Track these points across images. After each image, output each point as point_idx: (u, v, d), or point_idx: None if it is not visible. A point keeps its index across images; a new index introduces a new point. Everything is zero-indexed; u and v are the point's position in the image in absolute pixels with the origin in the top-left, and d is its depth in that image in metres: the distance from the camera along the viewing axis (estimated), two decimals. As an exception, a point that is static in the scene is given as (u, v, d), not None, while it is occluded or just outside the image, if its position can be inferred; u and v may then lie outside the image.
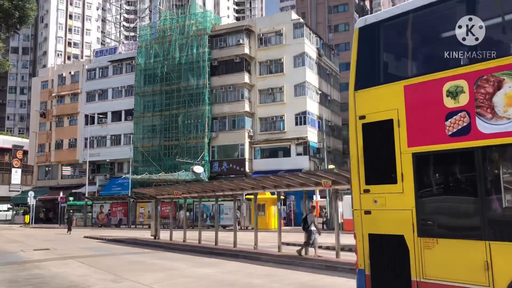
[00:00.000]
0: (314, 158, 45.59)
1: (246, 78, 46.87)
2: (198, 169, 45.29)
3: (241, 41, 47.25)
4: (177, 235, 25.52)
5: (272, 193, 31.80)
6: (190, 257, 16.14)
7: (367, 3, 78.00)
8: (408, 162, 6.35)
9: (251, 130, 46.72)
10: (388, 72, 7.09)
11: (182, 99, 48.63)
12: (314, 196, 33.55)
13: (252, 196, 33.35)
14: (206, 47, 48.23)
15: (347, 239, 21.67)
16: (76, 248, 20.27)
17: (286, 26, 46.63)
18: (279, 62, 46.47)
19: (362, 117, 7.01)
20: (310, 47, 47.30)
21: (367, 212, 6.92)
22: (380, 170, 6.78)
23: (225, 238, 24.29)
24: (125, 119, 52.83)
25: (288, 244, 21.91)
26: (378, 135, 6.81)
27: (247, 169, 45.80)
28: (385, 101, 6.71)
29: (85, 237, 27.49)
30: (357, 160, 7.05)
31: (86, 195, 46.78)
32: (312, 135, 45.65)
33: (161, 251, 18.90)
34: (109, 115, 53.73)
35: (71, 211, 33.80)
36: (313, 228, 15.29)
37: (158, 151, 49.05)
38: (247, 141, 46.26)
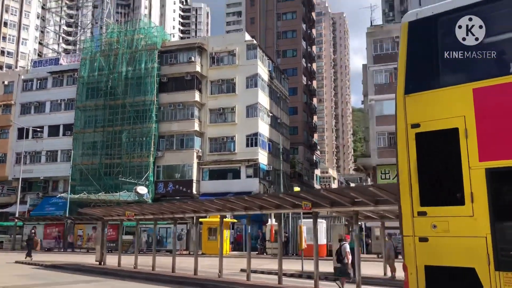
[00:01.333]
0: (264, 180, 44.59)
1: (197, 96, 45.39)
2: (142, 189, 42.72)
3: (192, 59, 45.88)
4: (124, 261, 23.27)
5: (225, 217, 30.30)
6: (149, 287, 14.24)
7: (314, 31, 79.54)
8: (480, 179, 5.32)
9: (200, 150, 45.06)
10: (450, 73, 6.13)
11: (127, 115, 46.16)
12: (269, 220, 32.34)
13: (207, 219, 31.64)
14: (156, 62, 46.38)
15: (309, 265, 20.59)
16: (9, 276, 17.55)
17: (239, 46, 45.95)
18: (231, 82, 45.51)
19: (416, 126, 6.00)
20: (263, 69, 46.86)
21: (423, 239, 5.77)
22: (441, 188, 5.72)
23: (177, 264, 22.41)
24: (64, 134, 49.25)
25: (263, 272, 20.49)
26: (438, 147, 5.78)
27: (194, 191, 43.89)
28: (448, 107, 5.72)
29: (16, 262, 24.37)
30: (409, 176, 5.96)
31: (16, 215, 42.49)
32: (263, 157, 44.77)
33: (111, 279, 16.76)
34: (46, 129, 49.87)
35: (33, 230, 29.75)
36: (346, 260, 13.79)
37: (98, 170, 45.93)
38: (195, 161, 44.48)
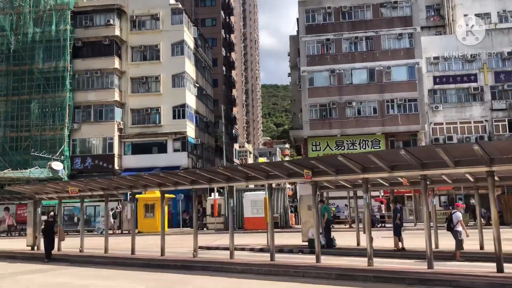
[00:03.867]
0: (192, 154, 42.59)
1: (117, 63, 41.67)
2: (57, 165, 38.58)
3: (111, 22, 41.89)
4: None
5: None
6: (129, 273, 12.18)
7: (232, 2, 77.36)
8: None
9: (122, 122, 41.67)
10: None
11: (36, 82, 41.12)
12: (213, 194, 30.78)
13: (143, 196, 29.19)
14: (68, 24, 41.55)
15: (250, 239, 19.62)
16: None
17: (163, 10, 42.79)
18: (155, 48, 42.37)
19: None
20: (189, 36, 44.26)
21: None
22: None
23: (120, 245, 20.22)
24: (-44, 104, 42.59)
25: (211, 248, 18.92)
26: None
27: (116, 166, 40.62)
28: None
29: None
30: None
31: None
32: (190, 131, 42.65)
33: (63, 266, 14.25)
34: None
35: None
36: (459, 228, 12.56)
37: (2, 144, 40.56)
38: (116, 134, 41.09)
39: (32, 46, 41.53)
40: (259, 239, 21.81)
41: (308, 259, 13.94)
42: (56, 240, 16.67)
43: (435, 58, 38.35)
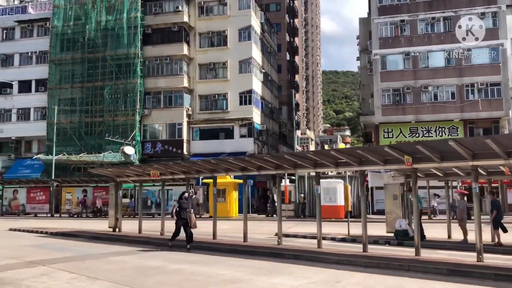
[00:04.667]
0: (257, 141, 42.31)
1: (185, 49, 41.99)
2: (129, 150, 39.61)
3: (180, 8, 42.15)
4: (131, 226, 20.82)
5: (236, 177, 28.08)
6: (218, 259, 11.92)
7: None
8: None
9: (190, 108, 42.06)
10: None
11: (109, 69, 42.34)
12: (283, 180, 30.33)
13: (210, 181, 29.24)
14: (139, 11, 42.30)
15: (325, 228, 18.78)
16: (22, 246, 14.82)
17: (230, -5, 42.44)
18: (222, 34, 42.23)
19: None
20: (256, 21, 43.76)
21: None
22: None
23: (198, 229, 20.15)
24: (37, 90, 44.83)
25: (288, 235, 18.40)
26: None
27: (185, 151, 41.17)
28: None
29: (10, 229, 21.36)
30: None
31: (-9, 179, 38.63)
32: (256, 117, 42.34)
33: (147, 248, 14.29)
34: (16, 85, 45.17)
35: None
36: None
37: (78, 129, 42.29)
38: (185, 120, 41.55)
39: (105, 34, 42.75)
40: (335, 228, 21.11)
41: (402, 251, 13.10)
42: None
43: (521, 38, 35.46)
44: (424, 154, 10.49)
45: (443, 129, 36.40)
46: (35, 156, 42.25)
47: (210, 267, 10.49)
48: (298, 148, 71.80)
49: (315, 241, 16.39)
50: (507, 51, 35.22)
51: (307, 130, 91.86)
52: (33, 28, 45.91)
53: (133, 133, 40.99)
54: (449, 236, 15.91)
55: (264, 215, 32.42)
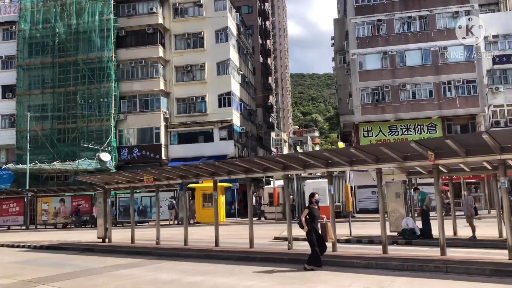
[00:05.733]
0: (237, 143, 41.74)
1: (161, 52, 41.07)
2: (105, 156, 38.34)
3: (154, 9, 41.19)
4: (118, 235, 19.90)
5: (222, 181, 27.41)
6: (233, 268, 11.29)
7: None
8: None
9: (167, 111, 41.09)
10: None
11: (81, 74, 40.90)
12: (271, 182, 29.87)
13: (197, 185, 28.54)
14: (112, 13, 41.04)
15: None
16: (8, 263, 13.73)
17: (206, -4, 41.79)
18: (198, 36, 41.50)
19: None
20: (232, 22, 43.22)
21: None
22: None
23: (176, 236, 19.50)
24: (4, 97, 42.79)
25: (279, 238, 17.92)
26: None
27: (163, 156, 40.15)
28: None
29: (-10, 244, 20.03)
30: None
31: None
32: (236, 119, 41.78)
33: (149, 259, 13.51)
34: (-20, 92, 43.00)
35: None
36: None
37: (50, 136, 40.60)
38: (162, 124, 40.57)
39: (76, 37, 41.31)
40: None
41: (419, 251, 12.83)
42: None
43: (494, 36, 36.32)
44: (450, 149, 10.20)
45: (422, 126, 36.87)
46: (4, 166, 40.28)
47: (230, 278, 9.88)
48: (273, 150, 71.65)
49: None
50: (480, 48, 36.00)
51: (280, 132, 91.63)
52: (-2, 32, 43.84)
53: (109, 139, 39.67)
54: (455, 233, 15.82)
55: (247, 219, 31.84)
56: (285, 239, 18.10)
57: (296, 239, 17.57)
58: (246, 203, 38.10)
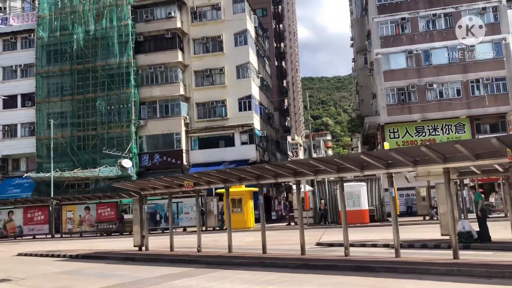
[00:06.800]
0: (259, 147, 41.02)
1: (180, 56, 40.54)
2: (127, 163, 37.87)
3: (172, 14, 40.75)
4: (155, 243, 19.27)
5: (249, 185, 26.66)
6: (296, 276, 10.53)
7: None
8: None
9: (187, 117, 40.52)
10: None
11: (100, 80, 40.49)
12: (302, 186, 29.03)
13: (223, 191, 27.74)
14: (129, 19, 40.68)
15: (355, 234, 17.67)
16: (53, 274, 13.08)
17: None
18: (217, 39, 40.94)
19: None
20: (251, 25, 42.63)
21: None
22: None
23: (209, 243, 18.82)
24: (23, 105, 42.50)
25: (333, 244, 17.08)
26: None
27: (184, 162, 39.54)
28: None
29: (19, 254, 19.44)
30: None
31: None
32: (256, 123, 41.07)
33: (203, 268, 12.70)
34: (0, 101, 42.74)
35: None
36: None
37: (70, 143, 40.18)
38: (183, 129, 39.97)
39: (95, 43, 40.93)
40: (368, 234, 20.00)
41: (487, 256, 11.96)
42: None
43: (523, 32, 35.36)
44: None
45: (450, 126, 35.93)
46: (26, 174, 39.91)
47: (302, 286, 9.12)
48: (290, 154, 70.91)
49: (379, 249, 15.23)
50: (510, 45, 35.02)
51: (295, 136, 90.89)
52: (16, 41, 43.63)
53: (129, 145, 39.17)
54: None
55: (279, 224, 31.09)
56: (329, 244, 17.37)
57: (341, 244, 16.79)
58: (269, 208, 37.56)
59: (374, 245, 16.00)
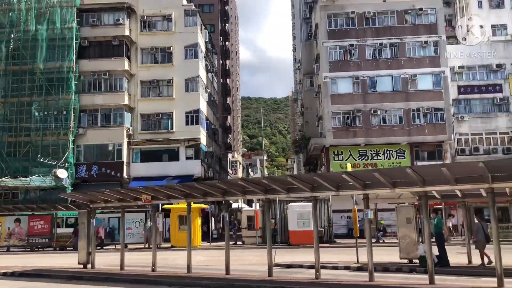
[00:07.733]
0: (204, 163, 40.17)
1: (126, 65, 39.10)
2: (62, 173, 35.57)
3: (121, 21, 39.33)
4: (104, 260, 17.91)
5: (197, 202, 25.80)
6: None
7: (229, 10, 75.56)
8: None
9: (130, 128, 38.95)
10: None
11: (38, 84, 38.06)
12: (253, 205, 28.56)
13: (176, 206, 26.68)
14: (74, 22, 38.74)
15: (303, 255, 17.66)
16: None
17: (176, 11, 40.59)
18: (167, 51, 40.01)
19: None
20: (202, 39, 42.12)
21: None
22: None
23: (161, 262, 17.90)
24: None
25: (292, 266, 16.71)
26: None
27: (124, 175, 37.80)
28: None
29: None
30: None
31: None
32: (203, 138, 40.34)
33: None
34: None
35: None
36: None
37: (-1, 149, 37.09)
38: (125, 140, 38.32)
39: (34, 44, 38.46)
40: (322, 255, 19.80)
41: (458, 281, 12.07)
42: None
43: (459, 67, 37.67)
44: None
45: (391, 152, 37.20)
46: None
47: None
48: (230, 171, 70.37)
49: (341, 271, 14.92)
50: (448, 78, 37.14)
51: (235, 153, 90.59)
52: None
53: (66, 154, 36.85)
54: (470, 261, 15.31)
55: (223, 243, 30.23)
56: (287, 265, 16.89)
57: (301, 266, 16.47)
58: (208, 226, 36.58)
59: (335, 267, 15.78)
